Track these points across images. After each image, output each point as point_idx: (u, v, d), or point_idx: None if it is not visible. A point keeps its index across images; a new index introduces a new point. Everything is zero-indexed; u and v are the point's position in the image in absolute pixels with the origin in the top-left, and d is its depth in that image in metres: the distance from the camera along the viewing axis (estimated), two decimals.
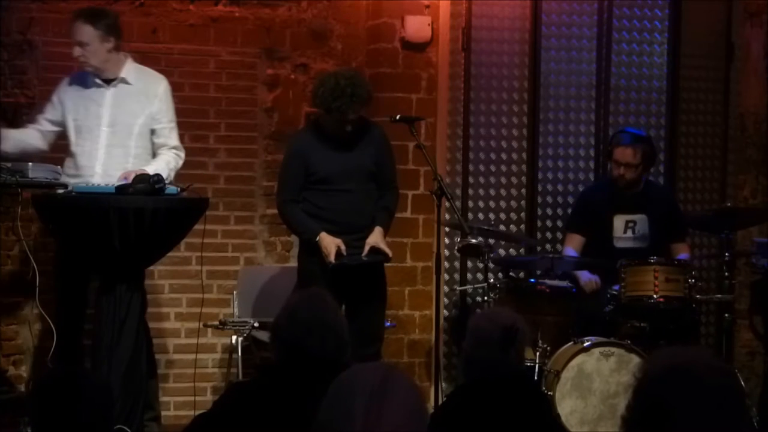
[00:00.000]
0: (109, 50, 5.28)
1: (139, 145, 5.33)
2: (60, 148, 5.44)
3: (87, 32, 5.24)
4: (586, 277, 6.01)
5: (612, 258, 5.87)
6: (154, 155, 5.39)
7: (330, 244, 5.35)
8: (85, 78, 5.37)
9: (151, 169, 5.17)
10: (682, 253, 6.18)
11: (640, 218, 6.15)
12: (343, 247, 5.35)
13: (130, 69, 5.37)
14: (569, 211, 6.67)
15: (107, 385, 3.13)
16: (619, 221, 6.16)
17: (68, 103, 5.35)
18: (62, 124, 5.37)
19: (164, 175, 5.12)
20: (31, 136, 5.38)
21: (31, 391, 3.46)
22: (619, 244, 6.12)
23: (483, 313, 4.68)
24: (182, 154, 5.43)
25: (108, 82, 5.33)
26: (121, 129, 5.31)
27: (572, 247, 6.20)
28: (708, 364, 2.20)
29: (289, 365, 3.22)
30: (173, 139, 5.41)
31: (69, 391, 2.86)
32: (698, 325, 6.23)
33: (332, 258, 5.32)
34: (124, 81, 5.34)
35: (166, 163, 5.32)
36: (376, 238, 5.46)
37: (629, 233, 6.16)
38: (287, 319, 3.33)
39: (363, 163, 5.50)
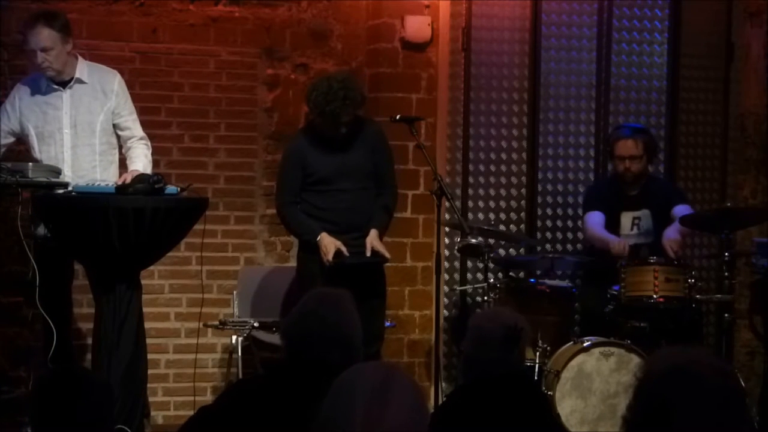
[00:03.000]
0: (68, 52, 5.22)
1: (104, 141, 5.31)
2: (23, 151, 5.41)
3: (50, 36, 5.13)
4: (616, 240, 5.99)
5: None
6: (119, 149, 5.38)
7: (330, 243, 5.37)
8: (38, 83, 5.28)
9: (140, 168, 5.19)
10: (683, 208, 6.11)
11: (644, 213, 6.19)
12: (343, 248, 5.37)
13: (83, 68, 5.29)
14: (569, 211, 6.68)
15: (107, 385, 3.12)
16: (626, 218, 6.19)
17: (25, 111, 5.27)
18: (17, 134, 5.32)
19: (149, 171, 5.18)
20: None
21: (31, 391, 3.45)
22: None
23: (484, 313, 4.68)
24: (149, 143, 5.41)
25: (63, 84, 5.25)
26: (83, 128, 5.26)
27: (596, 218, 6.13)
28: (709, 364, 2.20)
29: (294, 366, 3.20)
30: (138, 129, 5.39)
31: (69, 391, 2.85)
32: (701, 325, 6.21)
33: (330, 257, 5.33)
34: (79, 81, 5.26)
35: (146, 156, 5.33)
36: (372, 240, 5.47)
37: (635, 230, 6.18)
38: (301, 324, 3.22)
39: (359, 162, 5.51)
